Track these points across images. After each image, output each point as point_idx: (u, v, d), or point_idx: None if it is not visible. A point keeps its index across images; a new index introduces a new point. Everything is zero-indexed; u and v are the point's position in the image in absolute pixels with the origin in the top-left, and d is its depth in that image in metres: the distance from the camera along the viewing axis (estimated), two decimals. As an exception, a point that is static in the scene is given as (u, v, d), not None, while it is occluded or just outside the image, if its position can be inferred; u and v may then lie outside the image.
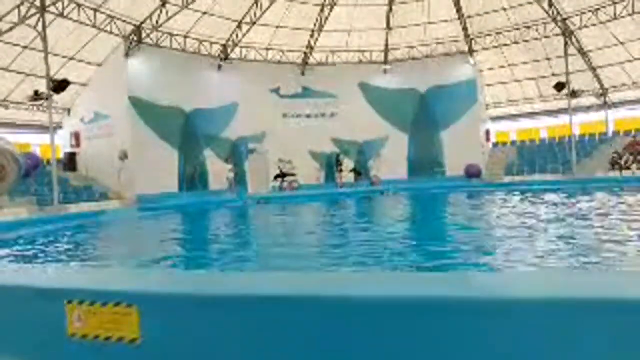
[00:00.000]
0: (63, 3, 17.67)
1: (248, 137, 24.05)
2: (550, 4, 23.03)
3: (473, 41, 25.87)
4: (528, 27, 24.72)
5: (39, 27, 15.83)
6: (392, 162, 25.45)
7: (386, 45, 26.31)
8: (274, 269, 5.20)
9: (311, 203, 16.80)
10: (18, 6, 16.60)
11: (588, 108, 27.66)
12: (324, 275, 3.02)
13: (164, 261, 6.14)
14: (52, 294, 2.34)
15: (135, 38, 20.73)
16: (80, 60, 20.93)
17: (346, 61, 26.55)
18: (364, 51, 26.48)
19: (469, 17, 24.87)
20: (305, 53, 25.70)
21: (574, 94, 23.43)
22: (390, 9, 24.51)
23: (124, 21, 20.13)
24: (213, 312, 2.05)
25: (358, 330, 1.83)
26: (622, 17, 22.44)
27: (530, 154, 26.74)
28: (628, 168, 20.89)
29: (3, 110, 20.96)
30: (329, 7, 23.64)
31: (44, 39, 15.55)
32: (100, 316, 2.15)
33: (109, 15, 19.51)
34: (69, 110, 22.93)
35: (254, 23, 23.12)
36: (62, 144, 22.94)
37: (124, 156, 20.43)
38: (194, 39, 22.86)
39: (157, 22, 20.64)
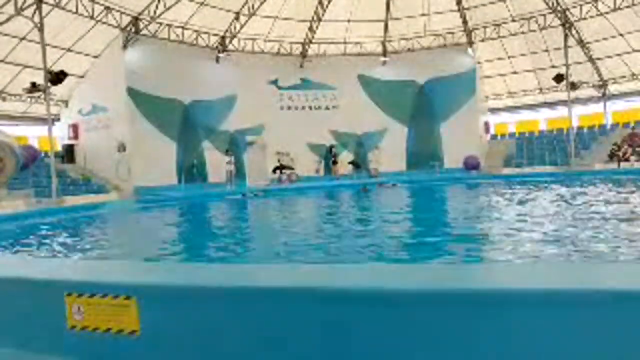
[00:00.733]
0: (60, -6, 17.56)
1: (247, 129, 24.00)
2: (550, -5, 22.95)
3: (472, 33, 25.77)
4: (527, 19, 24.62)
5: (36, 19, 15.72)
6: (391, 155, 25.46)
7: (385, 36, 26.20)
8: (271, 260, 5.22)
9: (308, 196, 16.81)
10: (15, -3, 16.48)
11: (587, 100, 27.64)
12: (323, 267, 3.03)
13: (162, 254, 6.16)
14: (51, 286, 2.35)
15: (133, 29, 20.61)
16: (78, 52, 20.83)
17: (345, 53, 26.45)
18: (363, 43, 26.37)
19: (468, 8, 24.76)
20: (304, 45, 25.58)
21: (573, 86, 23.40)
22: (390, 0, 24.38)
23: (121, 12, 20.01)
24: (213, 304, 2.05)
25: (357, 323, 1.84)
26: (621, 8, 22.33)
27: (530, 146, 26.74)
28: (627, 160, 20.90)
29: (0, 102, 20.89)
30: (327, -2, 23.52)
31: (41, 31, 15.45)
32: (100, 308, 2.16)
33: (106, 7, 19.38)
34: (66, 103, 22.86)
35: (252, 14, 22.99)
36: (60, 136, 22.90)
37: (122, 148, 20.40)
38: (192, 30, 22.74)
39: (155, 13, 20.51)
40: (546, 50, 26.32)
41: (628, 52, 24.81)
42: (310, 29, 24.89)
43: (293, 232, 7.83)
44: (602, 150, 23.21)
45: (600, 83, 26.61)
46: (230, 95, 23.98)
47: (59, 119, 22.91)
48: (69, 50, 20.38)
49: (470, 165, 24.40)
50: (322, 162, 25.64)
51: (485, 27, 25.61)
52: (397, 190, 17.39)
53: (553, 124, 28.60)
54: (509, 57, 27.50)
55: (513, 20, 24.96)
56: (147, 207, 14.18)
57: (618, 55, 25.14)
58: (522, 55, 27.18)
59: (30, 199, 16.66)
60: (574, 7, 23.34)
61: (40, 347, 2.33)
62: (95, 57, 21.46)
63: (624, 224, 6.15)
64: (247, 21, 23.30)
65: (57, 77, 16.16)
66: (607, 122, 27.29)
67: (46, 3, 16.85)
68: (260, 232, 8.57)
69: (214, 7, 22.06)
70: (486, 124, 28.88)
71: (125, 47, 20.64)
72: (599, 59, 25.73)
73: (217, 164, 22.37)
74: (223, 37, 23.70)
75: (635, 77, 25.72)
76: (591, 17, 23.34)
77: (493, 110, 30.16)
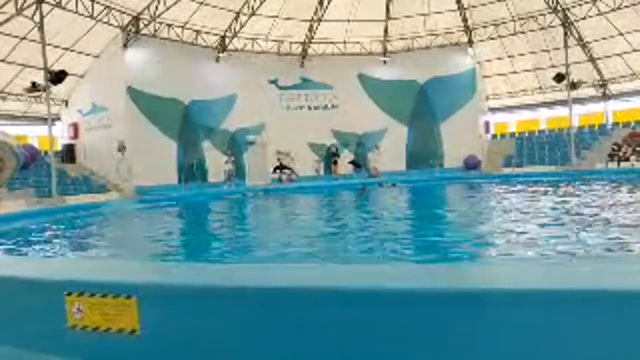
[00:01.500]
0: (60, -6, 17.55)
1: (247, 129, 23.99)
2: (551, -5, 22.92)
3: (473, 32, 25.76)
4: (528, 19, 24.60)
5: (37, 19, 15.73)
6: (391, 155, 25.45)
7: (386, 36, 26.19)
8: (271, 260, 5.22)
9: (308, 196, 16.81)
10: (15, -3, 16.48)
11: (588, 100, 27.61)
12: (324, 268, 3.03)
13: (163, 253, 6.16)
14: (52, 286, 2.35)
15: (133, 29, 20.61)
16: (79, 52, 20.83)
17: (345, 53, 26.44)
18: (363, 43, 26.36)
19: (468, 8, 24.74)
20: (304, 45, 25.58)
21: (573, 85, 23.38)
22: (390, 0, 24.36)
23: (122, 12, 20.01)
24: (213, 304, 2.06)
25: (358, 323, 1.84)
26: (621, 8, 22.30)
27: (530, 146, 26.72)
28: (627, 160, 20.89)
29: (1, 102, 20.89)
30: (328, -2, 23.50)
31: (42, 30, 15.45)
32: (101, 308, 2.16)
33: (106, 7, 19.38)
34: (67, 102, 22.87)
35: (252, 14, 22.98)
36: (61, 136, 22.90)
37: (122, 148, 20.41)
38: (192, 30, 22.74)
39: (155, 13, 20.51)
40: (546, 50, 26.29)
41: (628, 52, 24.77)
42: (311, 28, 24.88)
43: (293, 232, 7.83)
44: (602, 150, 23.19)
45: (601, 83, 26.59)
46: (231, 95, 23.98)
47: (59, 119, 22.90)
48: (69, 50, 20.37)
49: (471, 165, 24.40)
50: (322, 162, 25.64)
51: (485, 27, 25.60)
52: (397, 190, 17.39)
53: (553, 123, 28.57)
54: (509, 57, 27.47)
55: (513, 20, 24.95)
56: (148, 207, 14.18)
57: (618, 55, 25.11)
58: (523, 55, 27.14)
59: (31, 198, 16.66)
60: (574, 6, 23.31)
61: (41, 347, 2.33)
62: (96, 57, 21.45)
63: (622, 224, 6.15)
64: (247, 21, 23.29)
65: (58, 77, 16.18)
66: (608, 122, 27.26)
67: (47, 3, 16.85)
68: (260, 231, 8.58)
69: (214, 7, 22.05)
70: (486, 124, 28.86)
71: (125, 46, 20.64)
72: (599, 58, 25.70)
73: (217, 163, 22.40)
74: (223, 37, 23.70)
75: (635, 76, 25.68)
76: (591, 17, 23.32)
77: (493, 110, 30.14)
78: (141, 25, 20.76)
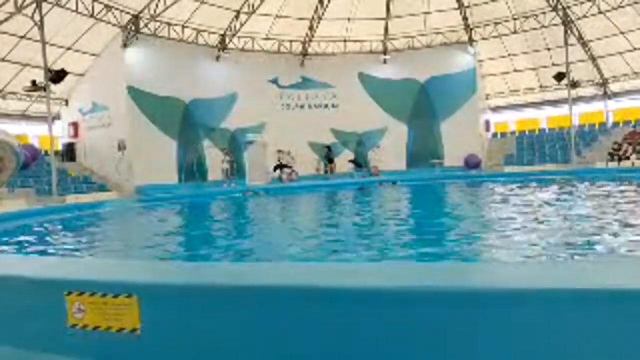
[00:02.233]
0: (60, -8, 17.53)
1: (247, 127, 23.99)
2: (551, -7, 22.89)
3: (473, 31, 25.73)
4: (528, 17, 24.57)
5: (36, 17, 15.71)
6: (392, 153, 25.44)
7: (386, 35, 26.16)
8: (270, 259, 5.22)
9: (308, 195, 16.81)
10: (15, -4, 16.46)
11: (588, 98, 27.58)
12: (324, 267, 3.03)
13: (163, 253, 6.16)
14: (52, 284, 2.35)
15: (133, 28, 20.59)
16: (78, 51, 20.81)
17: (345, 51, 26.42)
18: (363, 41, 26.33)
19: (468, 6, 24.71)
20: (304, 43, 25.55)
21: (574, 84, 23.36)
22: (390, -1, 24.35)
23: (121, 11, 19.99)
24: (213, 303, 2.06)
25: (358, 322, 1.84)
26: (622, 7, 22.28)
27: (530, 144, 26.71)
28: (627, 158, 20.88)
29: (0, 101, 20.87)
30: (328, -4, 23.47)
31: (41, 29, 15.43)
32: (101, 307, 2.16)
33: (106, 5, 19.36)
34: (67, 101, 22.85)
35: (252, 12, 22.95)
36: (61, 134, 22.89)
37: (122, 147, 20.40)
38: (192, 28, 22.72)
39: (155, 11, 20.48)
40: (547, 49, 26.27)
41: (629, 50, 24.74)
42: (311, 27, 24.85)
43: (292, 232, 7.84)
44: (603, 149, 23.18)
45: (601, 81, 26.57)
46: (231, 93, 23.96)
47: (59, 118, 22.89)
48: (69, 48, 20.36)
49: (471, 163, 24.39)
50: (321, 161, 25.66)
51: (485, 25, 25.56)
52: (396, 189, 17.39)
53: (554, 122, 28.54)
54: (509, 55, 27.44)
55: (514, 19, 24.91)
56: (148, 206, 14.18)
57: (619, 53, 25.09)
58: (523, 53, 27.12)
59: (31, 197, 16.66)
60: (575, 5, 23.28)
61: (41, 346, 2.33)
62: (96, 55, 21.44)
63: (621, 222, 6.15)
64: (247, 19, 23.26)
65: (58, 76, 16.16)
66: (608, 121, 27.24)
67: (46, 1, 16.83)
68: (260, 230, 8.58)
69: (213, 5, 22.02)
70: (487, 122, 28.85)
71: (125, 45, 20.62)
72: (599, 57, 25.68)
73: (217, 162, 22.40)
74: (223, 36, 23.67)
75: (636, 75, 25.66)
76: (592, 15, 23.29)
77: (494, 109, 30.12)
78: (141, 24, 20.75)
